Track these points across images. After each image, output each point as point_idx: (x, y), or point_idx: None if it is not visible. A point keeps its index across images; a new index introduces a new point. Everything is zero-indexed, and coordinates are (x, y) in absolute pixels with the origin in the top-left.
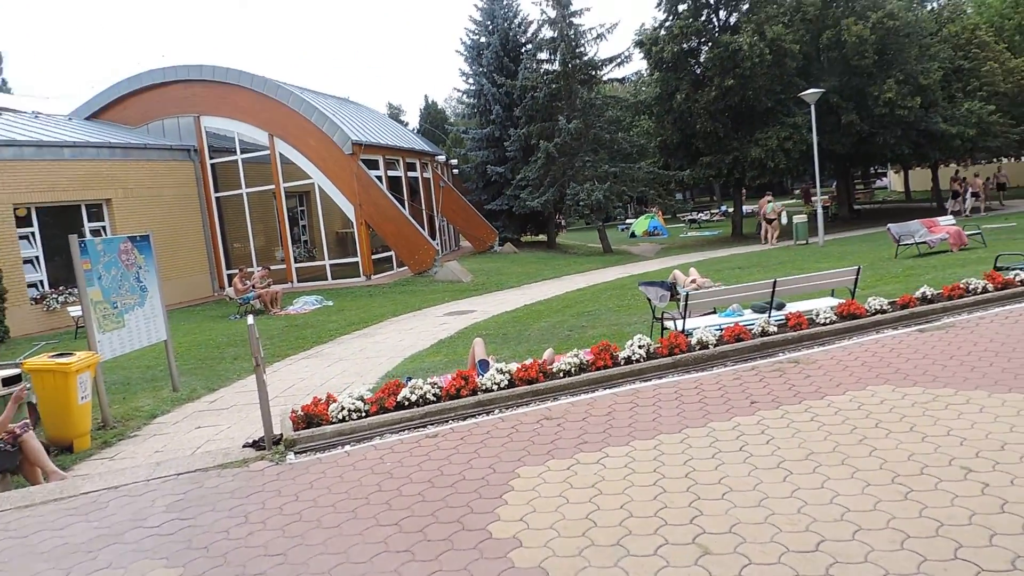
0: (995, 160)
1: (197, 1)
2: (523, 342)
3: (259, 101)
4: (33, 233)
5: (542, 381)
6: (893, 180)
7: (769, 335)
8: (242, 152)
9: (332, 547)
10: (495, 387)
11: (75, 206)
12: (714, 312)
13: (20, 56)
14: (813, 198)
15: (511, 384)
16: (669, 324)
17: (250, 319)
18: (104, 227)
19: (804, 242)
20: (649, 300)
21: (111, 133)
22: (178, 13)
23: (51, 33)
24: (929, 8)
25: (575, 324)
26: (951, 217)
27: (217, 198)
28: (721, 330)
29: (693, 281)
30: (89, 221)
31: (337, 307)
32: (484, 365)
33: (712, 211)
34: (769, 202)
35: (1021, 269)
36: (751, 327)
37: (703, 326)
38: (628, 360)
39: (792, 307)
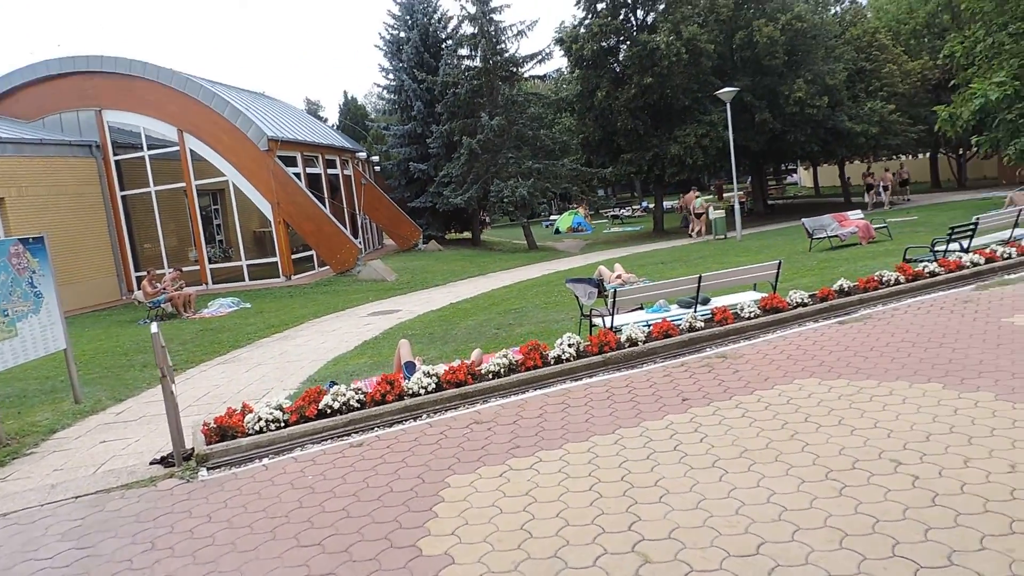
0: (896, 157)
1: None
2: (450, 342)
3: (167, 95)
4: None
5: (471, 383)
6: (803, 176)
7: (697, 330)
8: (149, 148)
9: (248, 573)
10: (422, 391)
11: None
12: (641, 308)
13: None
14: (727, 194)
15: (439, 387)
16: (597, 321)
17: (153, 327)
18: None
19: (723, 237)
20: (577, 298)
21: (1, 127)
22: (78, 5)
23: None
24: (833, 12)
25: (502, 322)
26: (859, 212)
27: (123, 196)
28: (649, 327)
29: (619, 277)
30: None
31: (256, 309)
32: (411, 367)
33: (633, 207)
34: (697, 197)
35: (928, 261)
36: (679, 323)
37: (632, 323)
38: (558, 359)
39: (717, 302)
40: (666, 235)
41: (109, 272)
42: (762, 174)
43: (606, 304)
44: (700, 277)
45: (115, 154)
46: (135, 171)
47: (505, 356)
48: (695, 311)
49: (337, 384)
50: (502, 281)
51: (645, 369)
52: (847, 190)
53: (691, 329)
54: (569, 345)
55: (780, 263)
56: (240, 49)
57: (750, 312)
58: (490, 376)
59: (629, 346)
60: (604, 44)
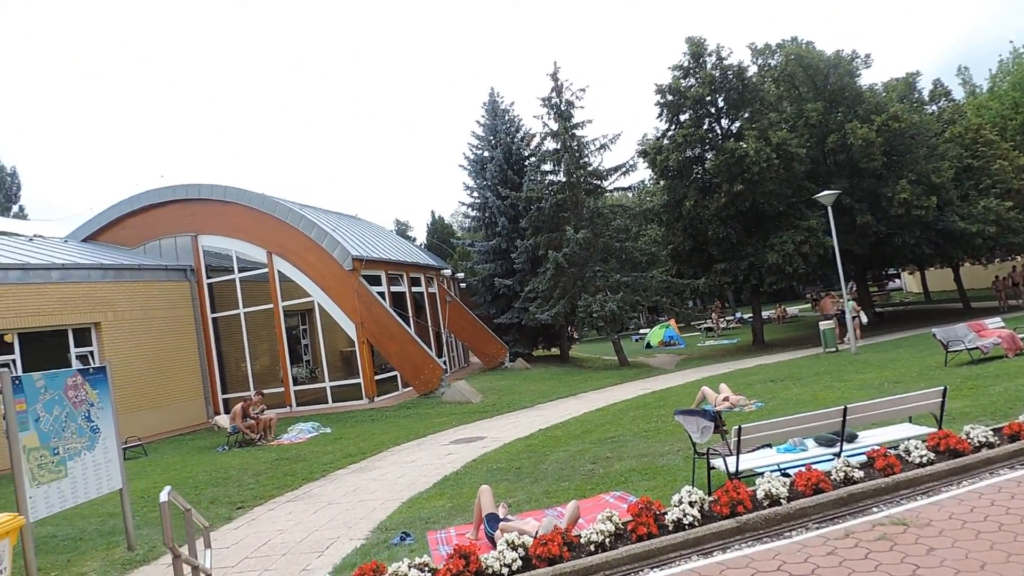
0: (1010, 258)
1: (210, 120)
2: (540, 479)
3: (257, 218)
4: (14, 361)
5: (568, 558)
6: (908, 281)
7: (854, 482)
8: (240, 271)
9: None
10: (505, 570)
11: (61, 331)
12: (769, 446)
13: (39, 179)
14: (837, 300)
15: (527, 565)
16: (717, 463)
17: (163, 494)
18: (91, 352)
19: (833, 349)
20: (688, 433)
21: (104, 254)
22: (191, 133)
23: (70, 155)
24: (931, 111)
25: (598, 454)
26: (997, 319)
27: (214, 319)
28: (789, 475)
29: (726, 399)
30: (76, 346)
31: (335, 435)
32: (493, 520)
33: (727, 318)
34: (849, 300)
35: None
36: (826, 469)
37: (762, 466)
38: (679, 524)
39: (867, 438)
40: (767, 348)
41: (197, 395)
42: (865, 280)
43: (723, 439)
44: (845, 409)
45: (208, 277)
46: (226, 293)
47: (610, 519)
48: (841, 451)
49: (409, 537)
50: (594, 403)
51: (797, 540)
52: (964, 295)
53: (847, 481)
54: (691, 503)
55: (945, 390)
56: (340, 175)
57: (920, 456)
58: (592, 548)
59: (769, 505)
60: (689, 154)
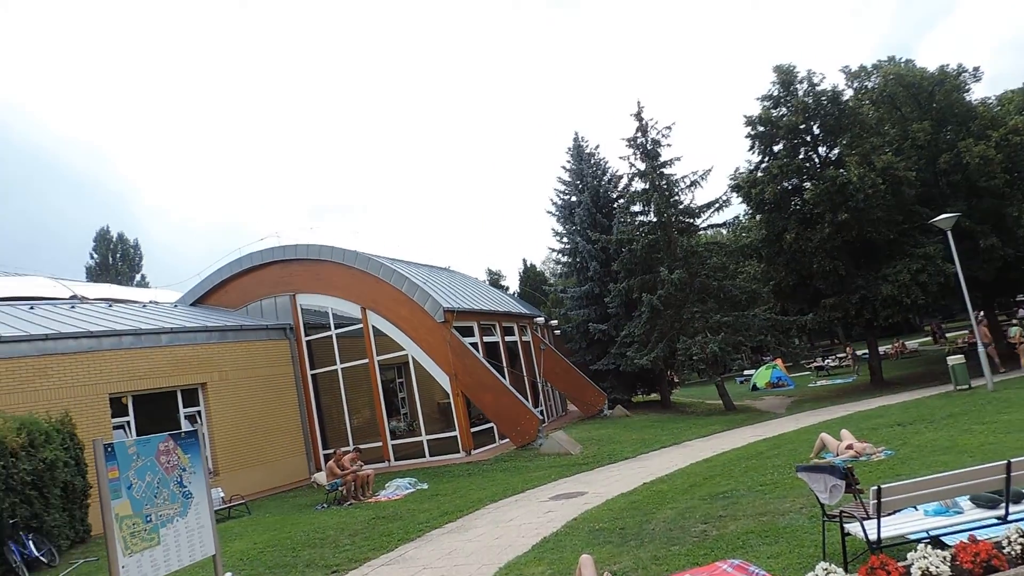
0: None
1: (297, 181)
2: (646, 542)
3: (350, 275)
4: (128, 422)
5: None
6: None
7: None
8: (336, 327)
9: None
10: None
11: (171, 392)
12: (914, 507)
13: (160, 248)
14: (951, 334)
15: None
16: (852, 527)
17: None
18: (199, 412)
19: (966, 387)
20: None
21: (210, 317)
22: (283, 191)
23: (186, 222)
24: None
25: (709, 512)
26: None
27: (313, 375)
28: (948, 547)
29: (849, 447)
30: (184, 406)
31: (432, 491)
32: None
33: (839, 355)
34: (1015, 326)
35: None
36: (993, 538)
37: (909, 533)
38: None
39: None
40: (888, 386)
41: (298, 452)
42: (992, 308)
43: (857, 499)
44: (1009, 464)
45: (306, 335)
46: (324, 350)
47: None
48: (1008, 514)
49: None
50: (700, 452)
51: None
52: None
53: None
54: None
55: None
56: (433, 229)
57: None
58: None
59: None
60: (786, 184)
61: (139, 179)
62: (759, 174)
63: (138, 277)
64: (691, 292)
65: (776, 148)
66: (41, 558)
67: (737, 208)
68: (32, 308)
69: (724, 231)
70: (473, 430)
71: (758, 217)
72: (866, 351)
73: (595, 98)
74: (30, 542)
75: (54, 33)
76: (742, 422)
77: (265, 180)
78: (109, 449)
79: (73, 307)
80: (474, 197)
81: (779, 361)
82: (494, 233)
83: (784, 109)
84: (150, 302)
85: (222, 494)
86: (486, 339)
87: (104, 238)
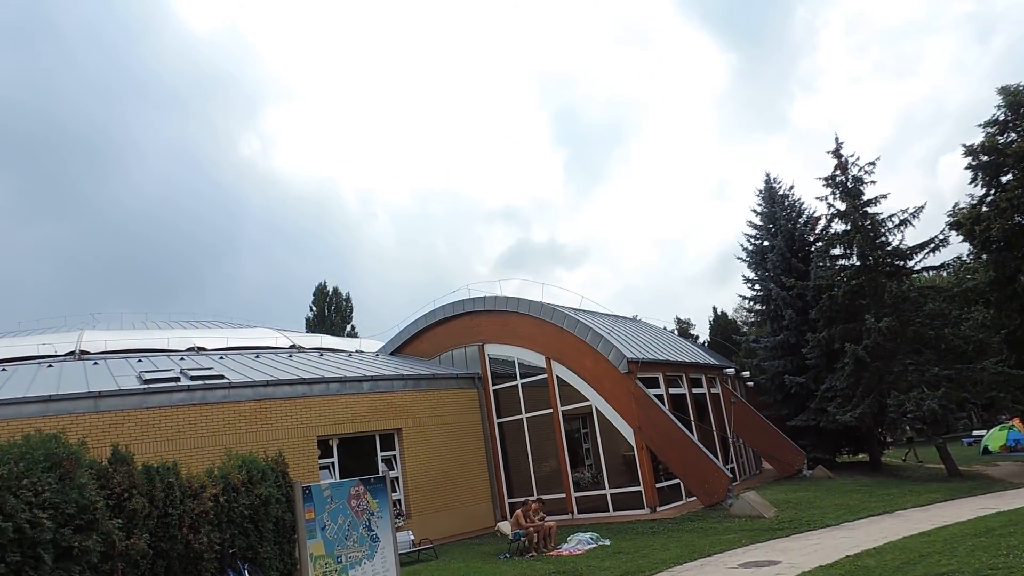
0: None
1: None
2: None
3: (536, 325)
4: (333, 463)
5: None
6: None
7: None
8: (522, 376)
9: None
10: None
11: (370, 436)
12: None
13: (368, 300)
14: None
15: None
16: None
17: None
18: (394, 456)
19: None
20: None
21: (405, 365)
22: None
23: (390, 273)
24: None
25: None
26: None
27: (499, 424)
28: None
29: None
30: (381, 450)
31: (614, 547)
32: None
33: None
34: None
35: None
36: None
37: None
38: None
39: None
40: None
41: (484, 499)
42: None
43: None
44: None
45: (494, 384)
46: (509, 399)
47: None
48: None
49: None
50: (916, 524)
51: None
52: None
53: None
54: None
55: None
56: (621, 277)
57: None
58: None
59: None
60: (1019, 219)
61: (355, 238)
62: (984, 208)
63: (348, 327)
64: (903, 342)
65: (1004, 179)
66: None
67: (957, 248)
68: (257, 356)
69: (944, 274)
70: (659, 485)
71: (984, 257)
72: None
73: (788, 138)
74: (245, 571)
75: (292, 107)
76: (969, 491)
77: (459, 228)
78: (307, 492)
79: (291, 356)
80: (661, 242)
81: (1017, 421)
82: (682, 280)
83: (1014, 135)
84: (356, 351)
85: (412, 537)
86: (672, 391)
87: (321, 292)
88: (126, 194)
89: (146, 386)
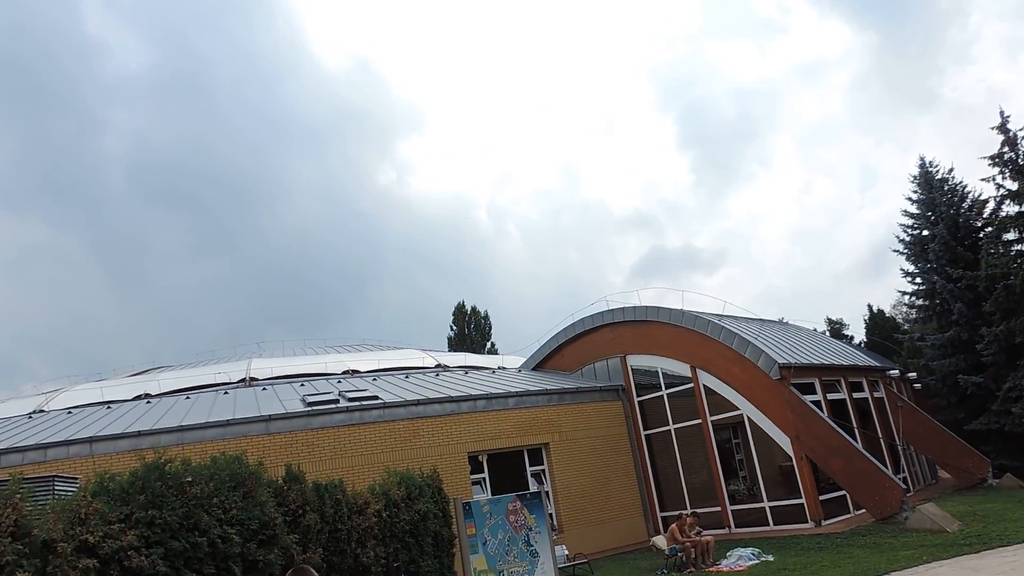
0: None
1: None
2: None
3: (678, 334)
4: (484, 479)
5: None
6: None
7: None
8: (666, 387)
9: None
10: None
11: (518, 451)
12: None
13: (505, 316)
14: None
15: None
16: None
17: None
18: (543, 471)
19: None
20: None
21: (549, 380)
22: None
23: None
24: None
25: None
26: None
27: (646, 435)
28: None
29: None
30: (530, 465)
31: (778, 564)
32: None
33: None
34: None
35: None
36: None
37: None
38: None
39: None
40: None
41: (636, 513)
42: None
43: None
44: None
45: (638, 395)
46: (655, 410)
47: None
48: None
49: None
50: None
51: None
52: None
53: None
54: None
55: None
56: (761, 281)
57: None
58: None
59: None
60: None
61: (489, 256)
62: None
63: (488, 345)
64: None
65: None
66: None
67: None
68: (407, 377)
69: None
70: (822, 498)
71: None
72: None
73: (941, 118)
74: None
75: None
76: None
77: (590, 239)
78: (467, 507)
79: (438, 375)
80: (803, 238)
81: None
82: (830, 277)
83: None
84: (499, 368)
85: (565, 551)
86: (830, 396)
87: (460, 311)
88: (275, 231)
89: (309, 408)
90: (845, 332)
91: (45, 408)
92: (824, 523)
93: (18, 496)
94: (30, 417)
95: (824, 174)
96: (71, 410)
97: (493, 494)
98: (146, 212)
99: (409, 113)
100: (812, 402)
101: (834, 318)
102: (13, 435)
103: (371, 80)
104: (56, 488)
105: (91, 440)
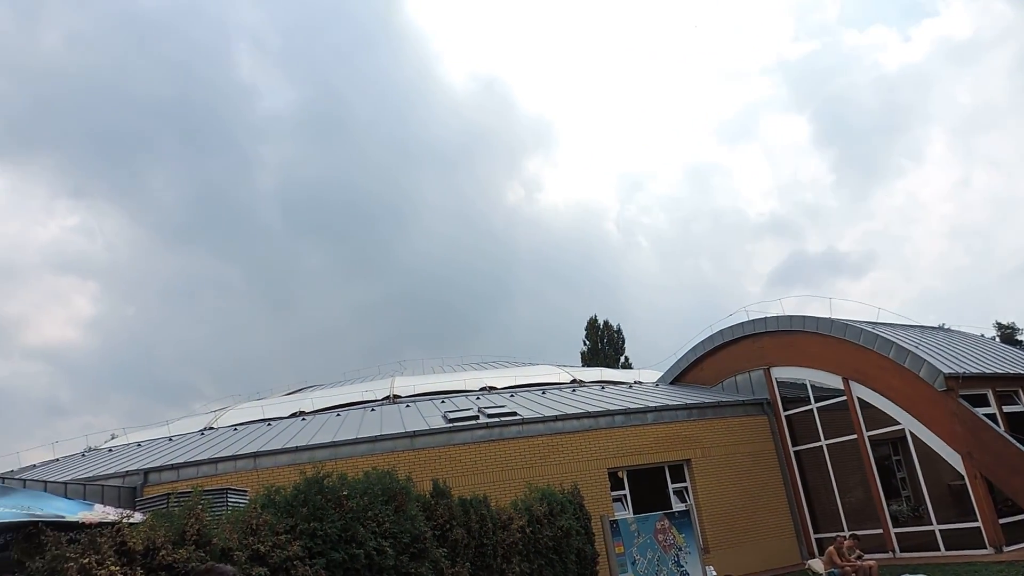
0: None
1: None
2: None
3: (827, 344)
4: (625, 496)
5: None
6: None
7: None
8: (816, 400)
9: None
10: None
11: (658, 468)
12: None
13: (638, 329)
14: None
15: None
16: None
17: None
18: (686, 488)
19: None
20: None
21: (687, 394)
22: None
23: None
24: None
25: None
26: None
27: (796, 452)
28: None
29: None
30: (672, 482)
31: None
32: None
33: None
34: None
35: None
36: None
37: None
38: None
39: None
40: None
41: (786, 533)
42: None
43: None
44: None
45: (784, 409)
46: (804, 425)
47: None
48: None
49: None
50: None
51: None
52: None
53: None
54: None
55: None
56: (904, 283)
57: None
58: None
59: None
60: None
61: (619, 268)
62: None
63: (622, 359)
64: None
65: None
66: None
67: None
68: (543, 392)
69: None
70: (1001, 521)
71: None
72: None
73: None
74: None
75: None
76: None
77: (724, 247)
78: (614, 525)
79: (574, 390)
80: (963, 236)
81: None
82: (997, 277)
83: None
84: (635, 382)
85: (714, 572)
86: (1006, 408)
87: (592, 326)
88: (410, 255)
89: (451, 425)
90: (1019, 337)
91: (214, 425)
92: (1005, 549)
93: (199, 507)
94: (202, 434)
95: (985, 165)
96: (236, 427)
97: (634, 511)
98: (295, 242)
99: (535, 129)
100: (985, 415)
101: (1004, 322)
102: (188, 450)
103: (497, 99)
104: (229, 500)
105: (255, 455)
